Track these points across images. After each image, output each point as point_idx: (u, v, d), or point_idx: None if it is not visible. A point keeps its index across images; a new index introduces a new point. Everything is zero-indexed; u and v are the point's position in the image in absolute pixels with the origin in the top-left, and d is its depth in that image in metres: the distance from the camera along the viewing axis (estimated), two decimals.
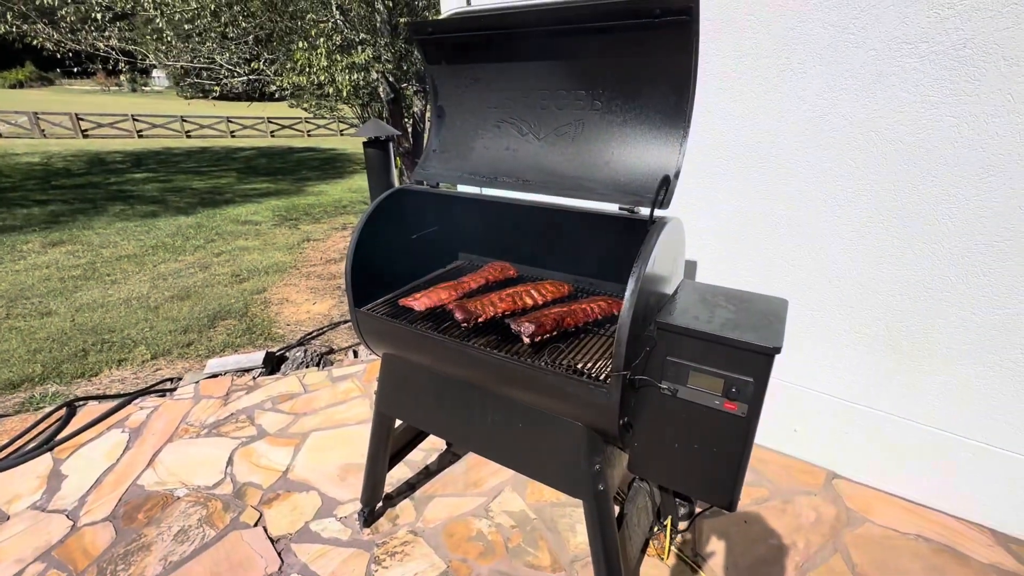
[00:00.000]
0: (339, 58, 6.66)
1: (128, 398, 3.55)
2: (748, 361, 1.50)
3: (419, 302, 2.08)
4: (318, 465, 2.95)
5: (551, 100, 1.95)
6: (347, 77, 6.62)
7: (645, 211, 1.71)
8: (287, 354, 4.30)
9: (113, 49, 7.79)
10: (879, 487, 2.77)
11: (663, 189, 1.68)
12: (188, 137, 20.98)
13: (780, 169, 2.57)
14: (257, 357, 3.99)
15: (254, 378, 3.77)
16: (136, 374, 4.47)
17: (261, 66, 8.07)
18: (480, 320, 1.98)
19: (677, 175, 1.71)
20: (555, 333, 1.89)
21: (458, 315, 1.94)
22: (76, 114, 18.71)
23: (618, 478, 1.94)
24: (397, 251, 2.32)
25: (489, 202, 2.12)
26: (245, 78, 8.49)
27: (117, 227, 9.05)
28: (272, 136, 22.70)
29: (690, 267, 2.91)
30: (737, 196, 2.71)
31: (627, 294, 1.49)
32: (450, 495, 2.75)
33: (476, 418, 2.00)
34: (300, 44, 6.88)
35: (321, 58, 6.63)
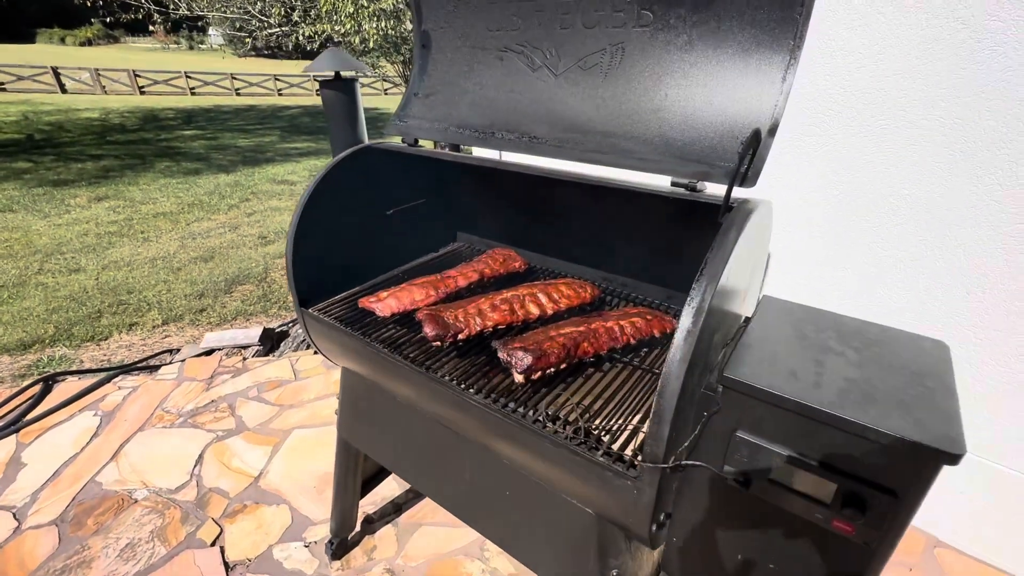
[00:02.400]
0: (366, 3, 5.94)
1: (108, 375, 3.21)
2: (891, 465, 0.84)
3: (383, 304, 1.49)
4: (295, 472, 2.49)
5: (577, 13, 1.26)
6: (374, 25, 5.91)
7: (714, 189, 1.03)
8: (289, 330, 3.87)
9: None
10: (994, 563, 2.04)
11: (749, 154, 0.99)
12: (237, 95, 20.89)
13: (910, 130, 1.77)
14: (254, 334, 3.57)
15: (244, 359, 3.36)
16: (144, 340, 4.18)
17: (296, 16, 7.49)
18: (461, 337, 1.38)
19: (773, 131, 1.01)
20: (564, 366, 1.26)
21: (427, 330, 1.34)
22: (134, 71, 18.87)
23: None
24: (369, 230, 1.73)
25: (490, 169, 1.47)
26: (277, 30, 7.92)
27: (160, 183, 8.95)
28: (317, 94, 22.36)
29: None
30: (840, 167, 1.92)
31: (680, 331, 0.84)
32: (440, 523, 2.24)
33: (451, 470, 1.42)
34: None
35: (347, 3, 5.93)
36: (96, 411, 2.89)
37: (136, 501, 2.34)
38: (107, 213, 7.43)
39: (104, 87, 18.79)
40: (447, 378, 1.24)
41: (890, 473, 0.84)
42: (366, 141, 1.63)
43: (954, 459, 0.77)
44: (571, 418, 1.12)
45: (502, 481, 1.31)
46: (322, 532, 2.20)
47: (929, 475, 0.81)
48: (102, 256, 5.96)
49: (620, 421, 1.12)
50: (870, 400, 0.87)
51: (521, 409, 1.14)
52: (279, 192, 8.74)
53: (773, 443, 0.94)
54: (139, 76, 19.17)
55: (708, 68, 1.10)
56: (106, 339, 4.23)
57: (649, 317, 1.40)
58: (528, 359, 1.19)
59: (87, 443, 2.66)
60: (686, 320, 0.84)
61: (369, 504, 2.33)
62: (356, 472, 1.90)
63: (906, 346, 1.02)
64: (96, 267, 5.67)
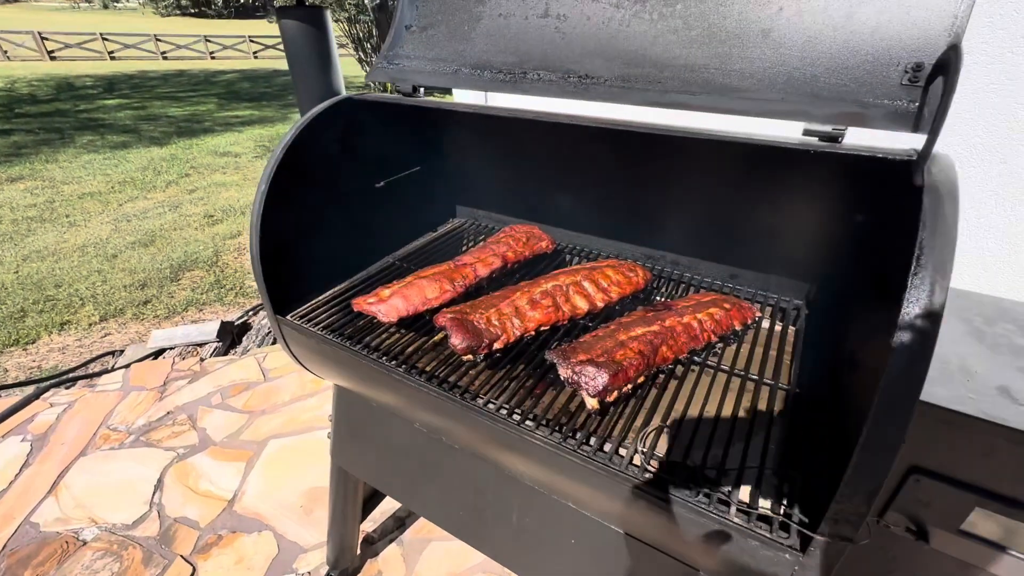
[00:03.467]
0: None
1: (37, 389, 2.70)
2: None
3: (387, 305, 1.14)
4: (276, 490, 2.15)
5: None
6: None
7: (857, 140, 0.73)
8: (251, 321, 3.42)
9: None
10: None
11: (938, 80, 0.69)
12: (164, 59, 18.84)
13: None
14: (210, 329, 3.11)
15: (202, 359, 2.91)
16: (80, 341, 3.62)
17: None
18: (498, 346, 1.05)
19: (956, 48, 0.70)
20: (642, 380, 0.96)
21: (456, 340, 1.01)
22: (40, 33, 16.59)
23: None
24: (355, 208, 1.35)
25: (507, 120, 1.11)
26: None
27: (83, 160, 7.96)
28: (255, 57, 20.36)
29: None
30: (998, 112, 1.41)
31: (900, 354, 0.55)
32: (452, 537, 1.95)
33: (491, 510, 1.13)
34: None
35: None
36: (24, 435, 2.41)
37: (84, 543, 1.94)
38: (23, 196, 6.52)
39: (6, 52, 16.51)
40: (493, 407, 0.92)
41: None
42: (343, 92, 1.23)
43: None
44: (675, 457, 0.83)
45: (566, 529, 1.02)
46: (316, 560, 1.89)
47: None
48: (20, 245, 5.20)
49: (740, 456, 0.84)
50: None
51: (601, 447, 0.84)
52: (223, 165, 7.96)
53: (969, 486, 0.68)
54: (47, 39, 16.91)
55: None
56: (33, 342, 3.65)
57: (727, 306, 1.12)
58: (603, 377, 0.88)
59: (16, 476, 2.21)
60: (908, 336, 0.55)
61: (368, 521, 2.02)
62: (355, 500, 1.59)
63: None
64: (14, 259, 4.93)
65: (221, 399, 2.61)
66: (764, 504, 0.75)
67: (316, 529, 2.00)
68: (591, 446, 0.84)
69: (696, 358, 1.08)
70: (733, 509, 0.72)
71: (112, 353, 3.31)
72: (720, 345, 1.13)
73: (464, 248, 1.59)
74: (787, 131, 0.83)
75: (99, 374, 2.84)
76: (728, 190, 1.18)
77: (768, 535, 0.69)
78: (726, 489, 0.75)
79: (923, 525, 0.73)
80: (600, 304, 1.18)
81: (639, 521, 0.83)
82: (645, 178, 1.30)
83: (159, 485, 2.18)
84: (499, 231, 1.49)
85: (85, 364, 3.10)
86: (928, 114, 0.71)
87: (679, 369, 1.05)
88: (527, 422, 0.89)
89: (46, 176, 7.33)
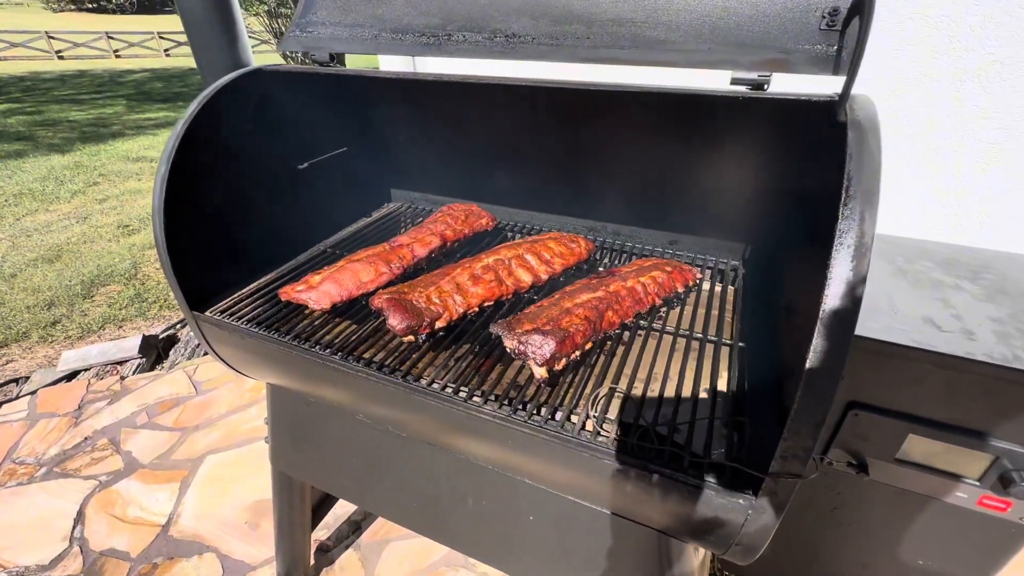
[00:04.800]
0: None
1: None
2: None
3: (319, 292, 1.06)
4: (216, 509, 1.99)
5: None
6: None
7: (783, 84, 0.74)
8: (179, 333, 3.17)
9: None
10: None
11: (854, 22, 0.70)
12: (60, 58, 17.10)
13: None
14: (130, 344, 2.84)
15: (122, 378, 2.66)
16: None
17: None
18: (440, 325, 1.00)
19: None
20: (590, 345, 0.94)
21: (394, 321, 0.95)
22: None
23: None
24: (276, 194, 1.25)
25: (436, 87, 1.05)
26: None
27: None
28: (167, 55, 18.83)
29: None
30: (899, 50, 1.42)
31: (836, 282, 0.55)
32: (411, 535, 1.89)
33: (446, 498, 1.07)
34: None
35: None
36: None
37: None
38: None
39: None
40: (438, 387, 0.87)
41: None
42: (252, 64, 1.13)
43: None
44: (627, 418, 0.82)
45: (524, 506, 0.99)
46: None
47: None
48: None
49: (685, 412, 0.84)
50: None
51: (552, 416, 0.81)
52: (137, 172, 7.36)
53: (902, 414, 0.70)
54: None
55: None
56: None
57: (668, 269, 1.12)
58: (550, 345, 0.85)
59: None
60: (843, 266, 0.55)
61: (321, 529, 1.91)
62: (302, 507, 1.48)
63: (1021, 268, 0.83)
64: None
65: (147, 418, 2.39)
66: (717, 454, 0.74)
67: (265, 544, 1.87)
68: (541, 416, 0.81)
69: (642, 322, 1.07)
70: (686, 462, 0.71)
71: (16, 381, 2.96)
72: (664, 309, 1.13)
73: (402, 230, 1.52)
74: (715, 82, 0.82)
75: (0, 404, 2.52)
76: (662, 153, 1.18)
77: (719, 483, 0.68)
78: (679, 444, 0.74)
79: (863, 458, 0.76)
80: (544, 276, 1.15)
81: (595, 487, 0.81)
82: (581, 146, 1.28)
83: (80, 518, 1.96)
84: (437, 212, 1.42)
85: None
86: (846, 56, 0.72)
87: (626, 335, 1.04)
88: (474, 399, 0.85)
89: None
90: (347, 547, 1.87)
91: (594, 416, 0.80)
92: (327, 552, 1.86)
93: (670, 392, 0.88)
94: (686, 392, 0.87)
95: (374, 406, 0.98)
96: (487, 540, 1.07)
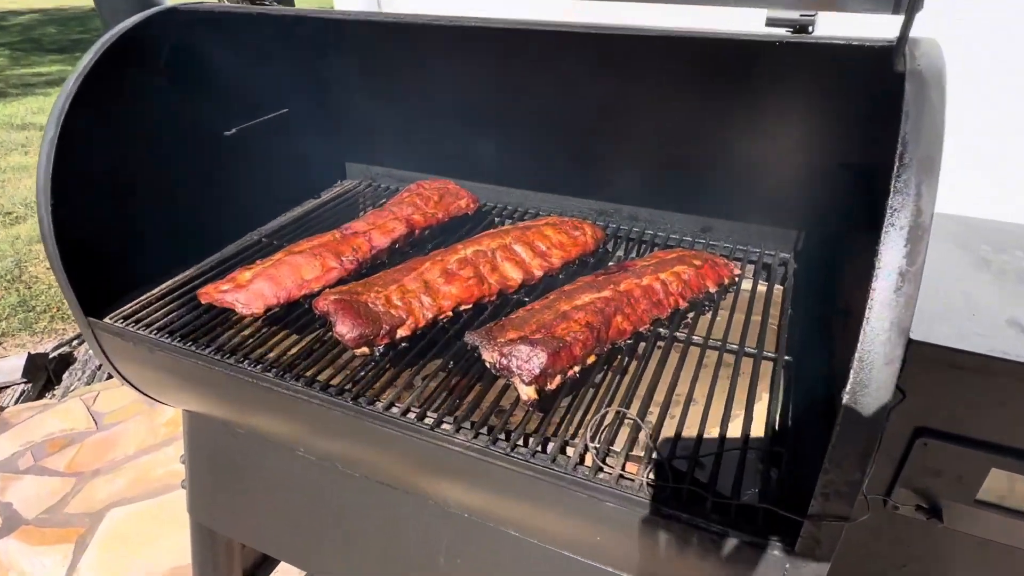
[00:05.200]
0: None
1: None
2: None
3: (249, 293, 1.11)
4: None
5: None
6: None
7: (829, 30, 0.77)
8: (74, 352, 3.21)
9: None
10: None
11: None
12: None
13: None
14: (12, 365, 2.90)
15: (2, 408, 2.70)
16: None
17: None
18: (403, 334, 1.03)
19: None
20: (593, 359, 0.97)
21: (343, 328, 0.98)
22: None
23: None
24: (194, 168, 1.29)
25: (409, 28, 1.08)
26: None
27: None
28: None
29: None
30: None
31: (890, 272, 0.59)
32: None
33: (412, 556, 1.10)
34: None
35: None
36: None
37: None
38: None
39: None
40: (398, 410, 0.90)
41: None
42: (166, 1, 1.18)
43: None
44: (638, 450, 0.84)
45: (506, 565, 1.01)
46: None
47: None
48: None
49: (709, 443, 0.86)
50: None
51: (543, 447, 0.84)
52: (23, 143, 7.47)
53: (983, 443, 0.73)
54: None
55: None
56: None
57: (697, 263, 1.16)
58: (540, 358, 0.88)
59: None
60: (894, 251, 0.57)
61: None
62: (229, 569, 1.51)
63: None
64: None
65: (33, 460, 2.44)
66: (749, 495, 0.77)
67: None
68: (528, 447, 0.84)
69: (663, 331, 1.10)
70: (708, 504, 0.74)
71: None
72: (691, 314, 1.16)
73: (360, 214, 1.56)
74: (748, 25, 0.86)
75: None
76: (691, 115, 1.23)
77: (748, 531, 0.71)
78: (700, 482, 0.77)
79: (935, 500, 0.78)
80: (538, 273, 1.19)
81: (596, 537, 0.83)
82: (590, 109, 1.33)
83: None
84: (403, 191, 1.46)
85: None
86: None
87: (642, 347, 1.07)
88: (443, 426, 0.88)
89: None
90: None
91: (595, 448, 0.83)
92: None
93: (694, 418, 0.91)
94: (714, 418, 0.90)
95: (317, 437, 1.01)
96: None
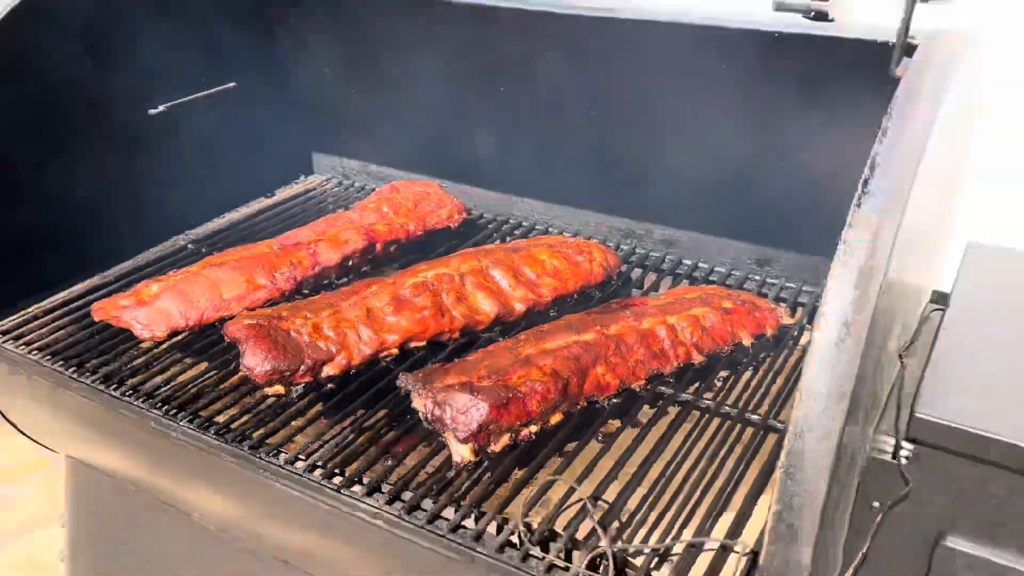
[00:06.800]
0: None
1: None
2: None
3: (150, 310, 1.31)
4: None
5: None
6: None
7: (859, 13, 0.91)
8: None
9: None
10: None
11: None
12: None
13: None
14: None
15: None
16: None
17: None
18: (329, 372, 1.20)
19: None
20: (559, 417, 1.11)
21: (253, 363, 1.16)
22: None
23: None
24: (108, 153, 1.52)
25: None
26: None
27: None
28: None
29: None
30: None
31: (828, 327, 0.71)
32: None
33: None
34: None
35: None
36: None
37: None
38: None
39: None
40: (301, 465, 1.06)
41: None
42: None
43: None
44: (591, 542, 0.97)
45: None
46: None
47: None
48: None
49: (694, 535, 0.98)
50: None
51: (461, 523, 0.98)
52: None
53: None
54: None
55: None
56: None
57: (728, 305, 1.28)
58: (479, 410, 1.03)
59: None
60: (840, 298, 0.70)
61: None
62: None
63: None
64: None
65: None
66: None
67: None
68: (450, 520, 0.97)
69: (684, 395, 1.22)
70: None
71: None
72: (727, 374, 1.27)
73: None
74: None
75: None
76: (745, 115, 1.35)
77: None
78: None
79: None
80: (519, 306, 1.34)
81: None
82: (622, 96, 1.48)
83: None
84: (375, 192, 1.65)
85: None
86: None
87: (646, 409, 1.20)
88: (354, 488, 1.03)
89: None
90: None
91: (523, 527, 0.96)
92: None
93: (676, 500, 1.02)
94: (705, 501, 1.02)
95: (207, 494, 1.18)
96: None
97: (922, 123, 0.77)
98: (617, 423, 1.19)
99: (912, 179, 0.72)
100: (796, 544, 0.74)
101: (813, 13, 0.95)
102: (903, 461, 0.90)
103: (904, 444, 0.90)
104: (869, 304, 0.69)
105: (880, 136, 0.74)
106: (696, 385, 1.26)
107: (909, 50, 0.85)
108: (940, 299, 1.09)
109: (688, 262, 1.54)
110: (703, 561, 0.96)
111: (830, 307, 0.70)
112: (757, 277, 1.49)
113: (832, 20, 0.96)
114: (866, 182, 0.73)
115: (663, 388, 1.23)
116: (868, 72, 0.90)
